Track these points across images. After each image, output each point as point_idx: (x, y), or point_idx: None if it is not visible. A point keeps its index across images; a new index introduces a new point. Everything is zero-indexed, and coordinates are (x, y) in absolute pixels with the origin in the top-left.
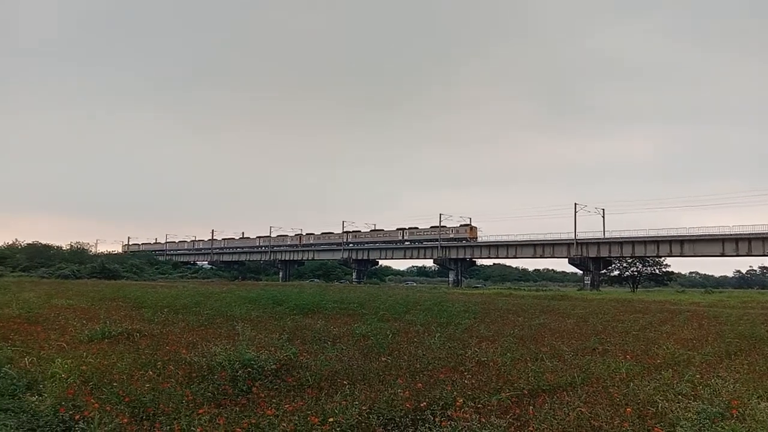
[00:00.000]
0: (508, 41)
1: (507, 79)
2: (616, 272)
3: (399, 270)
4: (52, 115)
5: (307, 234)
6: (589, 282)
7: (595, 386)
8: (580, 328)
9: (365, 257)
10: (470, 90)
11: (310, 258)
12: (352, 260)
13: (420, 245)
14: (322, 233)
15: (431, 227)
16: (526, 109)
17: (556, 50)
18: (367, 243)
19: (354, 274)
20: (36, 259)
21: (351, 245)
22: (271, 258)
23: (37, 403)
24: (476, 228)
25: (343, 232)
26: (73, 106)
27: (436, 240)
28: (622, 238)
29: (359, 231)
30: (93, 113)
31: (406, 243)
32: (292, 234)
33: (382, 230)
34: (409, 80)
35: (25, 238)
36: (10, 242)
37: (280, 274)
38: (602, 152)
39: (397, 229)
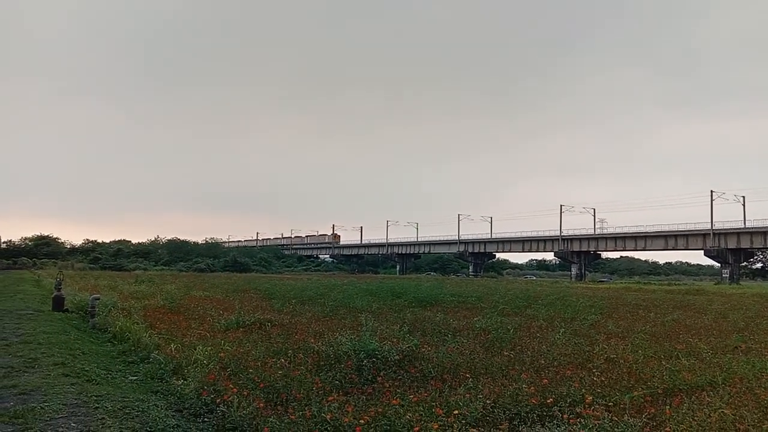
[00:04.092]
0: (627, 20)
1: (631, 60)
2: (759, 264)
3: (517, 263)
4: (194, 122)
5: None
6: (727, 275)
7: (739, 387)
8: (719, 325)
9: (482, 250)
10: (591, 74)
11: (426, 251)
12: (468, 253)
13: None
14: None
15: (306, 235)
16: (655, 90)
17: (684, 27)
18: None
19: (470, 267)
20: (175, 253)
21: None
22: (389, 251)
23: (182, 386)
24: (339, 236)
25: (256, 239)
26: (215, 117)
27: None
28: (765, 227)
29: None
30: (231, 120)
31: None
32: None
33: (269, 238)
34: (522, 69)
35: (166, 234)
36: (153, 238)
37: (397, 267)
38: (739, 135)
39: (295, 237)
